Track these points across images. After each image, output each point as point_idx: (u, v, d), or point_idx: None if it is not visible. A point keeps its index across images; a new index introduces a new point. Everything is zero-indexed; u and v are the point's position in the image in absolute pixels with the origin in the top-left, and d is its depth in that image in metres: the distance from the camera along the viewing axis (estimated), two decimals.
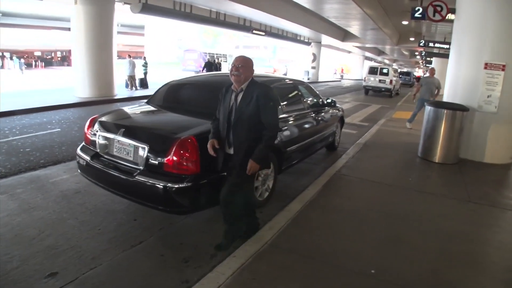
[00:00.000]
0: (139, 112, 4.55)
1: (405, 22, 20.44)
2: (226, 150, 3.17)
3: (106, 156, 3.78)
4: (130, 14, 15.96)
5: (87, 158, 3.86)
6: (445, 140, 6.70)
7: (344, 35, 31.57)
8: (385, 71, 23.48)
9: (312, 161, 6.47)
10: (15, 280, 2.85)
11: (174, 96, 4.78)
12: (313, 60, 36.51)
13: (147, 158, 3.36)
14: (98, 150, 3.84)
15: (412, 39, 27.07)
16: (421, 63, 53.41)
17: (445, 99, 7.49)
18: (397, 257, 3.30)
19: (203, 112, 4.15)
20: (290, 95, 5.40)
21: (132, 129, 3.72)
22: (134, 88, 17.25)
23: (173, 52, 59.29)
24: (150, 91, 16.85)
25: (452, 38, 7.80)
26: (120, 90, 15.80)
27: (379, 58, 56.57)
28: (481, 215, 4.47)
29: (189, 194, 3.28)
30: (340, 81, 43.49)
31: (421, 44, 19.53)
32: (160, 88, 4.98)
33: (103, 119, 4.06)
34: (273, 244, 3.32)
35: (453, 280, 3.00)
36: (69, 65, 43.94)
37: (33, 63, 43.61)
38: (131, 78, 17.18)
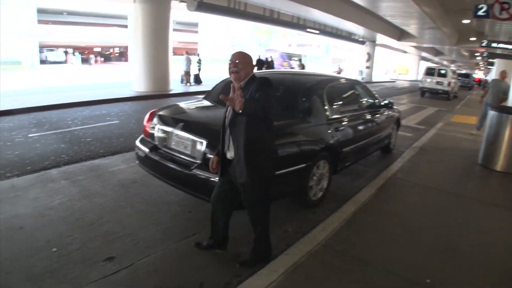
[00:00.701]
0: (197, 107, 4.68)
1: (465, 21, 19.36)
2: (226, 154, 2.92)
3: (164, 149, 3.92)
4: (185, 12, 16.37)
5: (146, 150, 4.03)
6: (509, 147, 6.28)
7: (400, 34, 30.48)
8: (443, 72, 22.41)
9: (367, 163, 6.33)
10: (76, 261, 3.05)
11: (228, 92, 4.84)
12: (367, 60, 35.58)
13: (205, 153, 3.44)
14: (156, 143, 4.00)
15: (472, 39, 25.59)
16: (481, 65, 50.43)
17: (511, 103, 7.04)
18: (455, 269, 3.16)
19: None
20: (347, 95, 5.34)
21: (191, 124, 3.84)
22: (188, 83, 17.79)
23: (226, 50, 60.27)
24: (204, 87, 17.30)
25: None
26: (175, 85, 16.30)
27: (436, 59, 54.11)
28: None
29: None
30: (394, 81, 42.02)
31: (483, 45, 18.36)
32: (217, 84, 5.09)
33: (162, 113, 4.21)
34: (326, 245, 3.31)
35: None
36: (126, 60, 45.83)
37: (93, 58, 45.93)
38: (187, 73, 17.76)
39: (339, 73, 29.73)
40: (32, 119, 9.04)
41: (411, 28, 23.46)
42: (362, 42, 33.75)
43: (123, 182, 4.85)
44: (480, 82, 43.64)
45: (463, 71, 48.08)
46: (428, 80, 22.53)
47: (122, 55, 49.09)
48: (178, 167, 3.60)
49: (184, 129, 3.68)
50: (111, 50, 49.41)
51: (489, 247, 3.62)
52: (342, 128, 4.67)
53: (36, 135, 7.44)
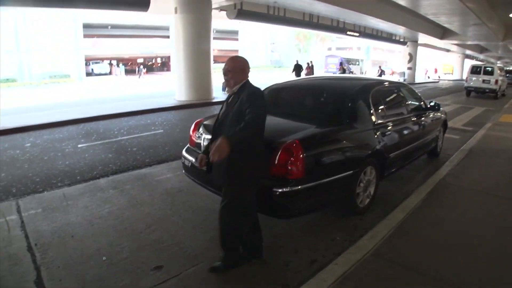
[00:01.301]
0: None
1: None
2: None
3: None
4: (225, 20, 16.65)
5: (192, 159, 4.06)
6: None
7: (443, 32, 29.41)
8: (489, 69, 21.33)
9: (414, 167, 6.10)
10: (125, 270, 3.11)
11: (275, 100, 4.86)
12: (409, 61, 34.60)
13: None
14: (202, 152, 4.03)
15: None
16: None
17: None
18: None
19: (305, 116, 4.19)
20: (393, 99, 5.20)
21: None
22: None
23: (266, 56, 60.65)
24: None
25: None
26: (217, 93, 16.57)
27: (481, 56, 51.69)
28: None
29: (293, 199, 3.28)
30: (438, 82, 40.56)
31: None
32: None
33: (208, 122, 4.25)
34: (375, 254, 3.21)
35: None
36: (168, 70, 47.23)
37: (142, 70, 47.69)
38: None
39: (380, 75, 29.14)
40: (81, 130, 9.46)
41: (454, 25, 22.52)
42: (404, 43, 32.93)
43: (170, 191, 4.93)
44: None
45: (511, 68, 45.63)
46: (474, 78, 21.52)
47: (164, 65, 50.59)
48: None
49: None
50: (154, 61, 50.94)
51: None
52: (388, 133, 4.54)
53: (84, 145, 7.77)
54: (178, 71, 14.69)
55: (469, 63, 45.82)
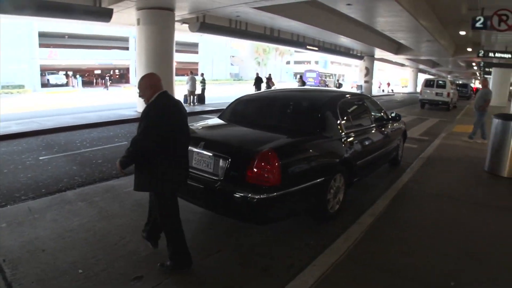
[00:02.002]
0: (214, 126, 4.77)
1: (462, 33, 19.70)
2: None
3: None
4: (186, 33, 16.65)
5: None
6: None
7: (398, 47, 30.90)
8: (442, 83, 22.61)
9: (376, 175, 6.38)
10: (104, 281, 3.07)
11: (246, 110, 4.98)
12: (366, 74, 35.95)
13: (228, 170, 3.51)
14: None
15: (469, 49, 25.94)
16: (478, 74, 50.88)
17: None
18: (477, 273, 3.24)
19: (277, 126, 4.33)
20: (358, 110, 5.45)
21: (212, 142, 3.92)
22: (192, 103, 17.96)
23: (225, 69, 60.97)
24: (208, 106, 17.47)
25: None
26: None
27: (433, 71, 54.67)
28: None
29: (270, 205, 3.39)
30: (393, 95, 42.37)
31: (480, 55, 18.57)
32: (231, 104, 5.20)
33: None
34: (349, 256, 3.37)
35: None
36: (127, 82, 46.35)
37: (94, 81, 46.41)
38: (192, 93, 17.97)
39: (338, 87, 30.03)
40: (41, 142, 9.14)
41: (409, 41, 23.79)
42: (361, 57, 34.19)
43: (140, 202, 4.83)
44: (477, 91, 43.92)
45: (461, 82, 48.54)
46: (428, 91, 22.71)
47: (123, 77, 49.60)
48: (202, 185, 3.66)
49: (206, 147, 3.75)
50: (112, 72, 49.89)
51: (509, 250, 3.68)
52: (355, 141, 4.76)
53: (46, 157, 7.52)
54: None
55: (422, 77, 48.15)
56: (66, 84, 40.61)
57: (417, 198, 5.20)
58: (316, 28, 18.92)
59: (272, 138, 3.81)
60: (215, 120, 4.98)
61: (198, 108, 17.07)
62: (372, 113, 5.84)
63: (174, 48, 14.46)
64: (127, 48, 45.16)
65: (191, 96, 18.15)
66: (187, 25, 15.67)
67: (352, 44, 28.14)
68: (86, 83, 43.51)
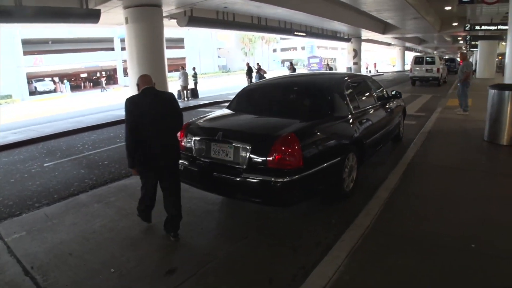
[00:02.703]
0: (226, 116, 4.80)
1: (448, 8, 19.84)
2: None
3: (203, 159, 4.01)
4: (172, 28, 16.56)
5: (185, 162, 4.12)
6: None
7: (385, 27, 31.01)
8: (431, 59, 22.73)
9: (381, 153, 6.49)
10: (139, 278, 3.10)
11: (254, 99, 5.05)
12: (354, 56, 36.11)
13: (250, 157, 3.56)
14: (194, 155, 4.08)
15: (455, 24, 26.14)
16: (464, 48, 51.19)
17: (507, 80, 7.31)
18: (493, 235, 3.39)
19: (288, 112, 4.40)
20: (362, 90, 5.53)
21: (230, 132, 3.97)
22: (186, 98, 17.91)
23: (213, 62, 60.67)
24: (202, 100, 17.45)
25: (510, 16, 7.57)
26: None
27: (419, 48, 54.87)
28: None
29: (294, 187, 3.47)
30: (382, 74, 42.55)
31: (466, 28, 18.79)
32: (238, 94, 5.24)
33: (196, 125, 4.34)
34: (374, 228, 3.48)
35: None
36: (115, 83, 46.01)
37: (82, 84, 45.98)
38: (185, 88, 17.90)
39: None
40: (42, 149, 9.09)
41: (395, 20, 23.90)
42: (348, 40, 34.27)
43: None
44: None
45: (447, 56, 48.80)
46: (417, 68, 22.82)
47: (110, 78, 49.17)
48: (225, 174, 3.71)
49: (224, 137, 3.80)
50: (98, 74, 49.42)
51: None
52: (364, 121, 4.85)
53: (51, 164, 7.49)
54: (133, 81, 14.42)
55: (409, 55, 48.19)
56: (54, 90, 40.23)
57: (426, 171, 5.33)
58: (303, 14, 18.93)
59: (288, 123, 3.87)
60: (224, 111, 5.01)
61: (193, 102, 17.02)
62: (375, 92, 5.93)
63: (165, 45, 14.39)
64: (112, 49, 44.71)
65: (185, 91, 18.08)
66: (175, 20, 15.61)
67: (339, 27, 28.19)
68: (74, 88, 43.10)
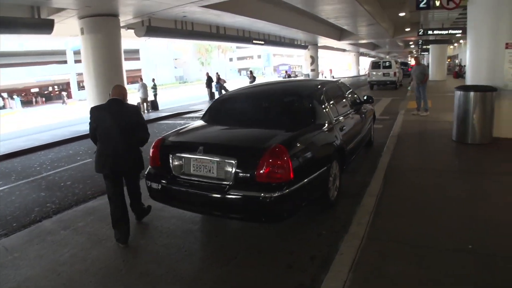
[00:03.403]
0: (204, 129, 4.52)
1: (402, 14, 20.60)
2: None
3: (183, 177, 3.72)
4: (126, 39, 16.02)
5: (163, 181, 3.80)
6: (478, 121, 6.78)
7: (340, 34, 31.80)
8: (387, 64, 23.52)
9: (356, 159, 6.45)
10: None
11: (230, 110, 4.84)
12: (312, 63, 36.74)
13: (237, 172, 3.34)
14: (173, 173, 3.79)
15: (408, 29, 27.25)
16: (415, 52, 53.55)
17: (469, 82, 7.56)
18: (489, 233, 3.40)
19: (268, 121, 4.24)
20: (339, 96, 5.47)
21: (212, 146, 3.71)
22: (146, 111, 17.32)
23: (170, 73, 59.84)
24: (162, 112, 16.95)
25: (468, 23, 7.90)
26: None
27: (373, 53, 56.83)
28: None
29: (287, 201, 3.28)
30: (339, 80, 43.53)
31: (420, 33, 19.56)
32: (212, 104, 5.00)
33: (171, 140, 4.06)
34: (369, 238, 3.37)
35: None
36: (69, 97, 44.14)
37: (33, 99, 43.86)
38: (144, 100, 17.31)
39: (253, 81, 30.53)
40: None
41: (352, 26, 24.53)
42: (305, 47, 34.84)
43: (131, 219, 4.50)
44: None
45: (400, 60, 50.91)
46: (375, 73, 23.54)
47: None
48: (209, 192, 3.47)
49: (206, 152, 3.55)
50: (50, 88, 47.28)
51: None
52: (343, 127, 4.77)
53: (6, 187, 6.86)
54: (91, 95, 13.72)
55: (363, 60, 49.63)
56: (3, 107, 37.97)
57: (405, 174, 5.34)
58: (262, 22, 19.00)
59: (273, 134, 3.68)
60: (199, 123, 4.73)
61: (154, 115, 16.45)
62: (349, 98, 5.89)
63: (123, 56, 13.87)
64: (65, 62, 42.99)
65: (144, 104, 17.46)
66: (132, 31, 15.11)
67: (297, 35, 28.60)
68: (25, 103, 40.94)
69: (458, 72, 30.33)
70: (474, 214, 3.82)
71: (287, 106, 4.53)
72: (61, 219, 4.84)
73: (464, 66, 31.27)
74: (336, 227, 3.86)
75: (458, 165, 5.80)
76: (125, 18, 13.55)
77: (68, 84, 45.40)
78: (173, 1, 11.58)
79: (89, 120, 3.88)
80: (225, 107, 4.87)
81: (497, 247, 3.11)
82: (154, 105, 18.27)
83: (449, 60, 34.35)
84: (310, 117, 4.23)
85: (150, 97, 18.41)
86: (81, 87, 44.76)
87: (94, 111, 3.91)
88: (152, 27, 15.00)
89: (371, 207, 4.02)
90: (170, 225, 4.25)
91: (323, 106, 4.53)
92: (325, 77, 48.98)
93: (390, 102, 15.91)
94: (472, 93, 6.76)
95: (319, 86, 4.93)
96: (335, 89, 5.50)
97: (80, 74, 41.34)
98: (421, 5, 9.87)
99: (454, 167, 5.67)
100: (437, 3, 9.01)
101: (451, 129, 7.46)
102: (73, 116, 20.55)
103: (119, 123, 3.76)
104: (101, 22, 12.65)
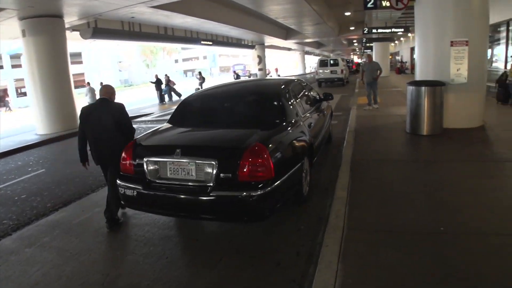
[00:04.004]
0: (177, 131, 4.40)
1: (347, 13, 21.38)
2: None
3: (159, 181, 3.63)
4: (69, 41, 15.30)
5: (138, 187, 3.66)
6: (429, 114, 7.24)
7: (287, 33, 32.39)
8: (334, 62, 24.32)
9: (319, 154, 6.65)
10: None
11: (199, 111, 4.78)
12: (259, 63, 37.07)
13: (218, 173, 3.32)
14: (148, 177, 3.68)
15: (352, 28, 28.30)
16: (358, 50, 55.79)
17: (418, 77, 8.05)
18: (455, 215, 3.65)
19: (241, 121, 4.27)
20: (304, 93, 5.59)
21: (190, 148, 3.66)
22: None
23: (114, 76, 57.73)
24: None
25: (416, 22, 8.37)
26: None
27: (317, 51, 58.38)
28: (492, 169, 5.14)
29: (270, 198, 3.31)
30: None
31: (365, 32, 20.43)
32: (180, 106, 4.91)
33: (144, 144, 3.95)
34: (350, 228, 3.48)
35: None
36: (3, 105, 41.10)
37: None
38: None
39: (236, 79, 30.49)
40: None
41: (299, 26, 25.06)
42: (252, 47, 35.09)
43: (101, 230, 4.32)
44: (358, 66, 48.45)
45: (345, 58, 52.84)
46: (322, 71, 24.25)
47: (1, 100, 43.84)
48: (190, 195, 3.41)
49: (184, 154, 3.48)
50: None
51: (471, 192, 4.29)
52: (310, 123, 4.89)
53: None
54: (35, 101, 12.95)
55: (308, 59, 50.73)
56: None
57: (370, 166, 5.56)
58: (211, 22, 18.94)
59: (250, 133, 3.69)
60: (169, 125, 4.62)
61: None
62: (311, 94, 6.05)
63: (69, 59, 13.22)
64: (1, 67, 40.13)
65: None
66: (77, 33, 14.45)
67: (244, 35, 28.76)
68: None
69: (400, 68, 32.07)
70: (439, 199, 4.08)
71: (258, 105, 4.55)
72: (22, 236, 4.47)
73: (406, 62, 33.29)
74: (313, 221, 3.96)
75: (416, 155, 6.19)
76: (70, 19, 12.94)
77: (5, 90, 42.34)
78: (123, 1, 11.23)
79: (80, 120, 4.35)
80: (194, 108, 4.81)
81: (465, 226, 3.38)
82: None
83: (390, 57, 36.11)
84: (282, 115, 4.29)
85: None
86: (20, 93, 42.03)
87: (82, 111, 4.36)
88: (99, 28, 14.45)
89: (345, 199, 4.15)
90: (145, 233, 4.12)
91: (291, 104, 4.62)
92: (271, 76, 49.82)
93: (340, 98, 16.39)
94: (423, 88, 7.21)
95: (285, 85, 5.01)
96: (298, 87, 5.61)
97: (19, 80, 38.92)
98: (369, 5, 10.31)
99: (413, 157, 6.07)
100: (384, 3, 9.49)
101: (403, 122, 7.91)
102: (16, 124, 19.26)
103: (106, 122, 4.18)
104: (45, 24, 12.00)
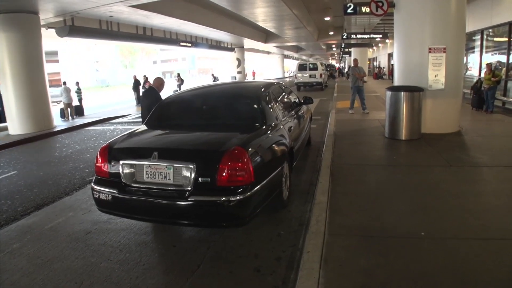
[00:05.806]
0: (154, 134, 4.30)
1: (327, 18, 21.63)
2: None
3: (135, 185, 3.52)
4: (45, 39, 14.91)
5: (113, 191, 3.55)
6: (408, 119, 7.36)
7: (266, 36, 32.49)
8: (313, 66, 24.51)
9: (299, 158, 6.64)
10: None
11: (177, 114, 4.70)
12: (238, 65, 37.05)
13: (196, 178, 3.24)
14: (124, 181, 3.57)
15: (331, 33, 28.62)
16: (336, 55, 56.50)
17: (397, 83, 8.19)
18: (435, 219, 3.69)
19: (220, 124, 4.23)
20: (284, 97, 5.57)
21: (167, 151, 3.56)
22: (71, 117, 16.03)
23: (91, 76, 56.66)
24: (88, 118, 15.91)
25: (395, 28, 8.52)
26: (58, 120, 14.75)
27: (296, 55, 58.90)
28: (469, 174, 5.26)
29: (250, 203, 3.25)
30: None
31: (344, 37, 20.71)
32: (156, 109, 4.80)
33: (120, 146, 3.83)
34: (330, 233, 3.44)
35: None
36: None
37: None
38: (69, 106, 15.99)
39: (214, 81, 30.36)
40: None
41: (279, 29, 25.19)
42: (231, 49, 35.02)
43: (76, 236, 4.16)
44: (340, 70, 49.13)
45: (324, 63, 53.54)
46: (301, 75, 24.41)
47: None
48: (167, 200, 3.32)
49: (162, 157, 3.39)
50: None
51: (450, 196, 4.36)
52: (290, 127, 4.87)
53: None
54: (7, 100, 12.55)
55: (287, 62, 50.96)
56: None
57: (349, 170, 5.58)
58: (191, 24, 18.82)
59: (229, 136, 3.63)
60: (144, 128, 4.49)
61: (80, 121, 15.24)
62: (291, 98, 6.04)
63: (44, 57, 12.84)
64: None
65: (68, 109, 16.12)
66: (53, 30, 14.07)
67: (224, 37, 28.70)
68: None
69: (377, 73, 32.65)
70: (419, 203, 4.14)
71: (237, 108, 4.49)
72: None
73: (383, 68, 33.89)
74: (294, 226, 3.94)
75: (395, 160, 6.25)
76: (45, 16, 12.59)
77: None
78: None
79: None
80: (172, 111, 4.72)
81: (445, 231, 3.41)
82: (79, 111, 17.04)
83: (368, 62, 36.73)
84: (262, 119, 4.24)
85: (75, 102, 17.17)
86: None
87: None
88: (76, 27, 14.10)
89: (325, 204, 4.13)
90: (121, 239, 3.98)
91: (271, 107, 4.59)
92: (247, 79, 49.99)
93: (319, 102, 16.52)
94: (402, 93, 7.33)
95: (265, 88, 4.98)
96: (278, 90, 5.59)
97: None
98: (349, 10, 10.45)
99: (392, 162, 6.13)
100: (364, 9, 9.61)
101: (382, 126, 8.01)
102: None
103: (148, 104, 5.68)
104: (19, 20, 11.64)
